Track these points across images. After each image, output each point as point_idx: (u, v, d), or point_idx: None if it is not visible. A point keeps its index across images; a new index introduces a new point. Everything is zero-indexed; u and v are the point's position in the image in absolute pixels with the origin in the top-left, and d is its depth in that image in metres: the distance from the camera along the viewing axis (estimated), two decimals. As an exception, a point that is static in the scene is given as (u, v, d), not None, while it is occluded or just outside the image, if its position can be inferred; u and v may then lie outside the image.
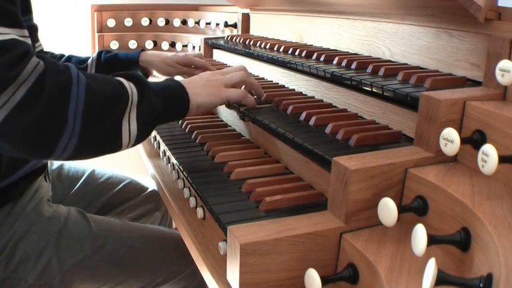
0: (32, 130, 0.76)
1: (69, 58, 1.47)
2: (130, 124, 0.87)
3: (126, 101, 0.87)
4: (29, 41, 0.81)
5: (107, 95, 0.85)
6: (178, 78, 1.27)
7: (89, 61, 1.46)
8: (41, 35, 1.32)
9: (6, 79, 0.74)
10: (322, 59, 1.20)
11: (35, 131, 0.76)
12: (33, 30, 1.36)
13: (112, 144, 0.87)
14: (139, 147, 1.47)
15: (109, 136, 0.86)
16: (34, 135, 0.77)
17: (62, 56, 1.48)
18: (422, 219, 0.68)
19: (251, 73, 1.55)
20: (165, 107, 0.96)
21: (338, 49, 1.33)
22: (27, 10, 1.14)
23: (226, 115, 1.38)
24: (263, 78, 1.47)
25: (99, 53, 1.47)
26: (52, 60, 0.82)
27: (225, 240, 0.76)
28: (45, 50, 1.42)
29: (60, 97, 0.78)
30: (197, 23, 2.22)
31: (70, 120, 0.79)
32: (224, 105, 1.20)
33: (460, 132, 0.71)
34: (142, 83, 0.92)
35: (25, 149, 0.79)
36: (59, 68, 0.81)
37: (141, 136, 0.91)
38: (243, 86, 1.15)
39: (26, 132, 0.76)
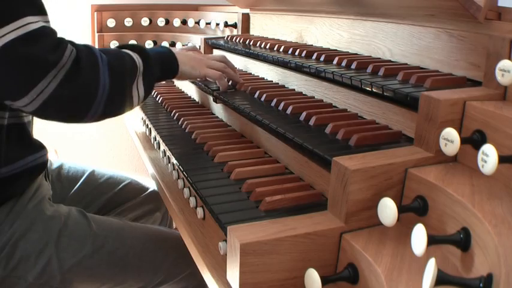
0: (71, 102, 0.94)
1: None
2: (138, 89, 1.06)
3: (136, 71, 1.05)
4: (51, 25, 0.95)
5: (123, 69, 1.03)
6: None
7: None
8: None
9: (47, 63, 0.88)
10: (322, 59, 1.20)
11: (74, 103, 0.94)
12: None
13: (127, 106, 1.06)
14: (140, 147, 1.48)
15: (125, 100, 1.05)
16: (73, 106, 0.95)
17: None
18: (422, 219, 0.68)
19: (250, 73, 1.55)
20: (162, 71, 1.17)
21: (338, 49, 1.33)
22: None
23: (226, 115, 1.38)
24: (263, 78, 1.47)
25: None
26: (80, 46, 0.97)
27: (225, 240, 0.76)
28: None
29: (92, 75, 0.95)
30: (197, 23, 2.22)
31: (100, 92, 0.96)
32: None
33: (460, 132, 0.71)
34: (144, 53, 1.10)
35: (67, 114, 0.98)
36: (87, 51, 0.97)
37: (146, 96, 1.10)
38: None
39: (67, 103, 0.94)
